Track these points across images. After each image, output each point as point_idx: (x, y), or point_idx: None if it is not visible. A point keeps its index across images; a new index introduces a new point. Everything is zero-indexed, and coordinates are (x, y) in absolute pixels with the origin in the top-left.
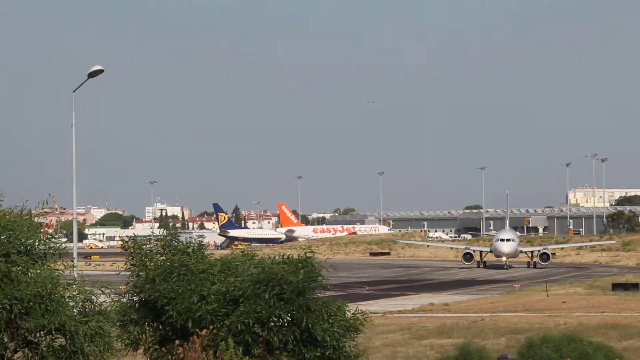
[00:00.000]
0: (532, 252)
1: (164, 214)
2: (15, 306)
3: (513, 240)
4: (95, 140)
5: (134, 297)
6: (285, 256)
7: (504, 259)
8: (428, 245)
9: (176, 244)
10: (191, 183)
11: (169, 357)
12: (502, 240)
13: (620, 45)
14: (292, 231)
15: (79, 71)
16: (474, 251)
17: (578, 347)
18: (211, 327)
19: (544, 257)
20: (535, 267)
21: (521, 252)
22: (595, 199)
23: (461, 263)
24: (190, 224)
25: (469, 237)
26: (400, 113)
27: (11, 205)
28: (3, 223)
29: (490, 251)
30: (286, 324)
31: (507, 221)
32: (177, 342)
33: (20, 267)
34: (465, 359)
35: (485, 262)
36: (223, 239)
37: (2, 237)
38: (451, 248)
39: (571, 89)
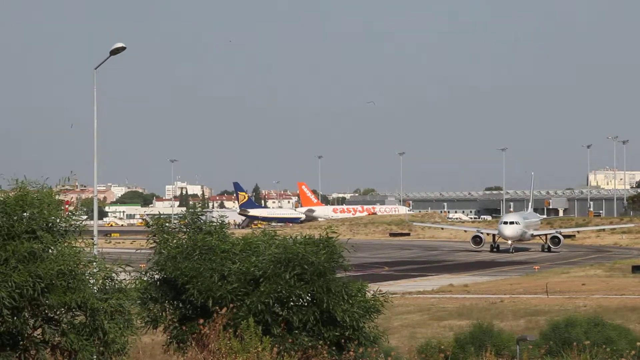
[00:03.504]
0: (545, 235)
1: (184, 192)
2: (38, 284)
3: (517, 223)
4: (116, 117)
5: (155, 275)
6: (307, 236)
7: (509, 242)
8: (442, 228)
9: (199, 222)
10: (211, 162)
11: (190, 335)
12: (505, 222)
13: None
14: (312, 211)
15: (101, 48)
16: (487, 234)
17: (603, 332)
18: (231, 305)
19: (555, 240)
20: (549, 250)
21: (533, 235)
22: (615, 181)
23: (477, 246)
24: (210, 203)
25: (489, 218)
26: (422, 94)
27: (33, 182)
28: (28, 200)
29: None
30: (306, 304)
31: (531, 203)
32: (200, 320)
33: (43, 245)
34: (483, 339)
35: (498, 245)
36: (243, 218)
37: (26, 214)
38: (465, 231)
39: (593, 71)
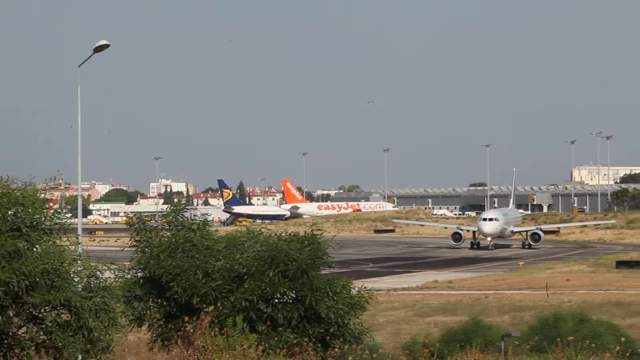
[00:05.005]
0: (526, 231)
1: (168, 190)
2: (22, 281)
3: (497, 219)
4: (100, 115)
5: (139, 273)
6: (291, 233)
7: (488, 239)
8: (422, 225)
9: (181, 219)
10: (196, 159)
11: (175, 333)
12: (484, 219)
13: (626, 23)
14: (297, 208)
15: (84, 46)
16: (467, 231)
17: (587, 327)
18: (218, 304)
19: (535, 237)
20: (530, 247)
21: (513, 232)
22: (600, 177)
23: (457, 243)
24: (195, 200)
25: (473, 214)
26: (406, 90)
27: (17, 179)
28: (13, 198)
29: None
30: (290, 301)
31: (513, 199)
32: (186, 318)
33: (28, 243)
34: (468, 335)
35: (479, 242)
36: (227, 215)
37: (10, 212)
38: (445, 228)
39: (576, 66)
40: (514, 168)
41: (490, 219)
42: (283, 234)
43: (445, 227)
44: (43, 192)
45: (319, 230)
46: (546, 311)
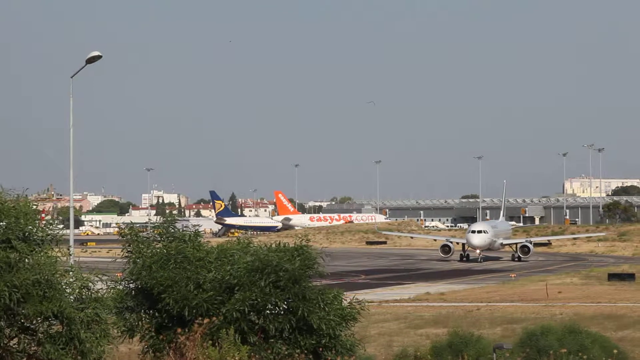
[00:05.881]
0: (515, 244)
1: (160, 201)
2: (14, 294)
3: (485, 232)
4: (92, 126)
5: (130, 285)
6: (281, 244)
7: (477, 251)
8: (412, 237)
9: (173, 231)
10: (188, 170)
11: (166, 344)
12: (473, 232)
13: (618, 37)
14: (289, 219)
15: (77, 57)
16: (456, 243)
17: (577, 339)
18: (213, 317)
19: (525, 249)
20: (519, 260)
21: (503, 244)
22: (591, 189)
23: (446, 255)
24: (187, 212)
25: (465, 226)
26: (398, 102)
27: (9, 190)
28: (5, 210)
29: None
30: (282, 312)
31: (503, 211)
32: (178, 330)
33: (19, 254)
34: (460, 347)
35: (468, 254)
36: (219, 226)
37: (2, 224)
38: (435, 240)
39: (568, 79)
40: (504, 180)
41: (479, 231)
42: (273, 245)
43: (435, 240)
44: (35, 203)
45: (308, 240)
46: (537, 324)
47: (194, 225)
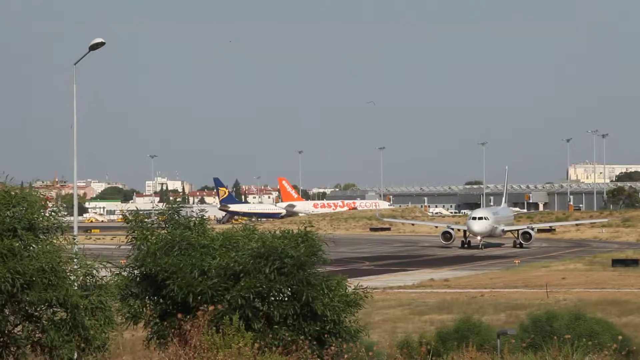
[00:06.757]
0: (517, 230)
1: (164, 188)
2: (17, 280)
3: (486, 218)
4: (96, 113)
5: (135, 271)
6: (285, 231)
7: (478, 238)
8: (413, 224)
9: (177, 218)
10: (192, 157)
11: (171, 330)
12: (474, 218)
13: (622, 22)
14: (293, 206)
15: (81, 43)
16: (457, 230)
17: (587, 325)
18: (218, 305)
19: (526, 236)
20: (521, 246)
21: (504, 231)
22: (595, 175)
23: (447, 242)
24: (191, 199)
25: (469, 212)
26: (402, 88)
27: (13, 178)
28: (13, 199)
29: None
30: (286, 299)
31: (505, 197)
32: (179, 315)
33: (23, 242)
34: (465, 333)
35: (469, 241)
36: (223, 213)
37: (8, 213)
38: (436, 227)
39: (573, 64)
40: (506, 166)
41: (480, 218)
42: (277, 232)
43: (436, 227)
44: (42, 193)
45: (312, 227)
46: (542, 309)
47: (200, 211)
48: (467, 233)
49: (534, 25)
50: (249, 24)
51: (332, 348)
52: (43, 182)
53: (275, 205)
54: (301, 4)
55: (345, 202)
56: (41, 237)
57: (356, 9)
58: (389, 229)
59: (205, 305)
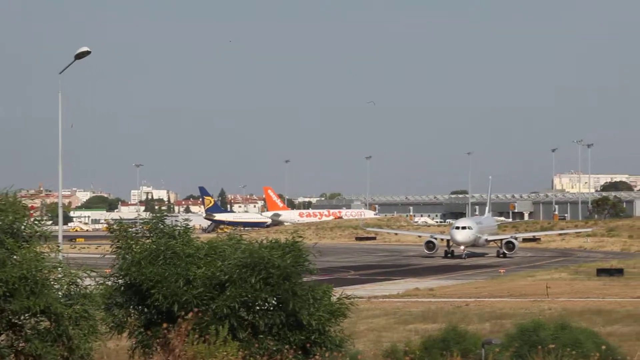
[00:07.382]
0: (500, 240)
1: (149, 197)
2: (0, 288)
3: (470, 228)
4: (81, 122)
5: (119, 280)
6: (272, 240)
7: (461, 247)
8: (396, 234)
9: (162, 227)
10: (177, 166)
11: (155, 340)
12: (457, 228)
13: (607, 32)
14: (278, 215)
15: (66, 52)
16: (441, 239)
17: (570, 335)
18: (196, 310)
19: (509, 245)
20: (504, 256)
21: (488, 240)
22: (580, 185)
23: (430, 252)
24: (176, 208)
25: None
26: (388, 98)
27: None
28: None
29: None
30: (272, 308)
31: (488, 207)
32: (164, 325)
33: (7, 251)
34: (450, 342)
35: (452, 250)
36: (209, 222)
37: None
38: (419, 236)
39: (557, 75)
40: (490, 176)
41: (463, 228)
42: (264, 241)
43: (419, 236)
44: (24, 202)
45: (300, 237)
46: (526, 319)
47: (184, 220)
48: (451, 242)
49: (520, 36)
50: (249, 24)
51: (317, 357)
52: (27, 191)
53: (261, 215)
54: (301, 4)
55: (331, 211)
56: (24, 245)
57: (346, 18)
58: (374, 238)
59: (190, 314)
